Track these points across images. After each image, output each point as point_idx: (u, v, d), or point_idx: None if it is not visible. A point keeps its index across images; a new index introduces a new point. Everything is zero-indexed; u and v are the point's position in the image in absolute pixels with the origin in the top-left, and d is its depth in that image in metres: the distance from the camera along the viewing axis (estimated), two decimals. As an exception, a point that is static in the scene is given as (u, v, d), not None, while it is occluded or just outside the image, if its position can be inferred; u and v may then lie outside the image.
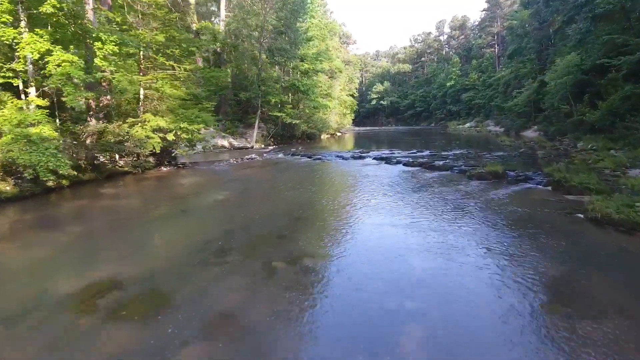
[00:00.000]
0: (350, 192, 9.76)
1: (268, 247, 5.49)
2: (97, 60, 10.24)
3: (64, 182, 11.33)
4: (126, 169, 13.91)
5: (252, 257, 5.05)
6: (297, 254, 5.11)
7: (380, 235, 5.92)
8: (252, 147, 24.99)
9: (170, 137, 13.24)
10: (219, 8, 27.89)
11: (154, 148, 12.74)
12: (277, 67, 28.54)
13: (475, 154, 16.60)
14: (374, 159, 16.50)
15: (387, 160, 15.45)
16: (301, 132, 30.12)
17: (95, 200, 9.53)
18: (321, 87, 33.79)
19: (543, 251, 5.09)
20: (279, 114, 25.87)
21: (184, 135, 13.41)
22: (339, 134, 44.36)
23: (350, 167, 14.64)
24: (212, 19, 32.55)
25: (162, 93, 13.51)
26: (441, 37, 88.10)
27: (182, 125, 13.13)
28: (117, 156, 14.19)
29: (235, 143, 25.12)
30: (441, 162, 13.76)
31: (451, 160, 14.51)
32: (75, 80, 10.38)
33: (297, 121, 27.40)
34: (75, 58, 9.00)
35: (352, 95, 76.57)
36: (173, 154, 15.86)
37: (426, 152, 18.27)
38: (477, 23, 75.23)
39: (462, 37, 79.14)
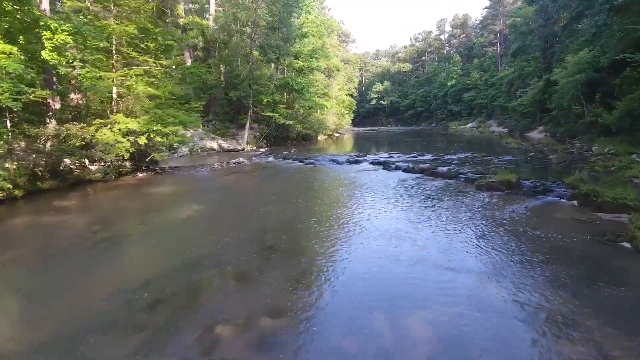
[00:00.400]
0: (339, 208, 8.35)
1: (216, 299, 4.08)
2: (44, 53, 8.83)
3: (17, 192, 9.97)
4: (97, 175, 12.53)
5: (187, 319, 3.63)
6: (257, 311, 3.71)
7: (376, 279, 4.50)
8: (242, 150, 23.59)
9: (142, 140, 11.83)
10: (209, 3, 26.50)
11: (121, 154, 11.33)
12: (270, 64, 27.13)
13: (481, 158, 15.19)
14: (371, 163, 15.10)
15: (385, 165, 14.05)
16: (296, 133, 28.72)
17: (40, 216, 8.13)
18: (317, 86, 32.38)
19: (597, 312, 3.67)
20: (271, 114, 24.47)
21: (158, 139, 12.00)
22: (337, 134, 42.97)
23: (344, 173, 13.24)
24: (206, 17, 31.20)
25: (134, 92, 12.10)
26: (442, 36, 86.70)
27: (155, 128, 11.72)
28: (86, 161, 12.84)
29: (225, 145, 23.71)
30: (445, 169, 12.36)
31: (456, 166, 13.10)
32: (29, 76, 8.99)
33: (291, 122, 25.99)
34: (14, 49, 7.60)
35: (351, 95, 75.39)
36: (153, 158, 14.46)
37: (428, 156, 16.87)
38: (478, 21, 73.85)
39: (464, 35, 77.72)
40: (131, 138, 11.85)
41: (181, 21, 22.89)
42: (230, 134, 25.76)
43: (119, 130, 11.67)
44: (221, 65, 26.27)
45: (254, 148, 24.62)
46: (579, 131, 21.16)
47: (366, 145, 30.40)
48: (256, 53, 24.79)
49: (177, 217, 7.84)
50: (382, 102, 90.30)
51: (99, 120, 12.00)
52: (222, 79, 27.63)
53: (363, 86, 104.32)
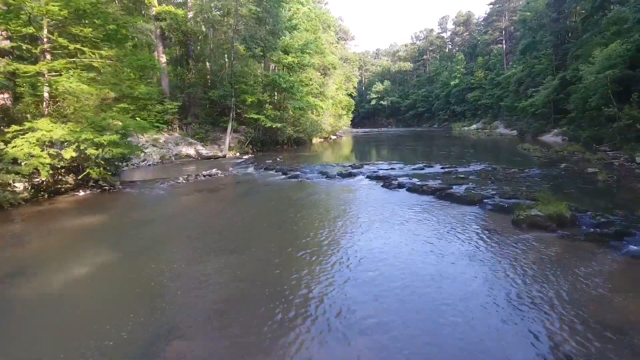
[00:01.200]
0: (317, 263, 5.55)
1: None
2: None
3: None
4: (24, 195, 9.76)
5: None
6: None
7: None
8: (224, 157, 20.82)
9: (67, 154, 9.06)
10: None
11: (34, 172, 8.57)
12: (257, 60, 24.35)
13: (503, 172, 12.42)
14: (368, 177, 12.35)
15: (385, 181, 11.28)
16: (287, 137, 25.96)
17: None
18: (311, 85, 29.60)
19: None
20: (256, 117, 21.70)
21: (91, 151, 9.22)
22: (333, 137, 40.24)
23: (334, 193, 10.49)
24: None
25: (60, 89, 9.35)
26: (444, 34, 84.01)
27: (84, 137, 8.94)
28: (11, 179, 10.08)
29: (204, 151, 20.95)
30: (462, 188, 9.60)
31: (475, 184, 10.34)
32: None
33: (280, 125, 23.22)
34: None
35: (350, 95, 72.78)
36: (111, 172, 11.66)
37: (436, 168, 14.11)
38: (482, 19, 71.08)
39: (467, 33, 74.99)
40: (52, 151, 9.09)
41: (153, 10, 20.12)
42: (212, 138, 22.99)
43: (37, 140, 8.91)
44: (202, 61, 23.51)
45: (237, 154, 21.86)
46: (607, 136, 18.39)
47: (364, 150, 27.65)
48: (240, 47, 22.02)
49: (65, 280, 5.06)
50: (382, 102, 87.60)
51: (14, 127, 9.23)
52: (207, 76, 24.90)
53: (363, 86, 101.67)
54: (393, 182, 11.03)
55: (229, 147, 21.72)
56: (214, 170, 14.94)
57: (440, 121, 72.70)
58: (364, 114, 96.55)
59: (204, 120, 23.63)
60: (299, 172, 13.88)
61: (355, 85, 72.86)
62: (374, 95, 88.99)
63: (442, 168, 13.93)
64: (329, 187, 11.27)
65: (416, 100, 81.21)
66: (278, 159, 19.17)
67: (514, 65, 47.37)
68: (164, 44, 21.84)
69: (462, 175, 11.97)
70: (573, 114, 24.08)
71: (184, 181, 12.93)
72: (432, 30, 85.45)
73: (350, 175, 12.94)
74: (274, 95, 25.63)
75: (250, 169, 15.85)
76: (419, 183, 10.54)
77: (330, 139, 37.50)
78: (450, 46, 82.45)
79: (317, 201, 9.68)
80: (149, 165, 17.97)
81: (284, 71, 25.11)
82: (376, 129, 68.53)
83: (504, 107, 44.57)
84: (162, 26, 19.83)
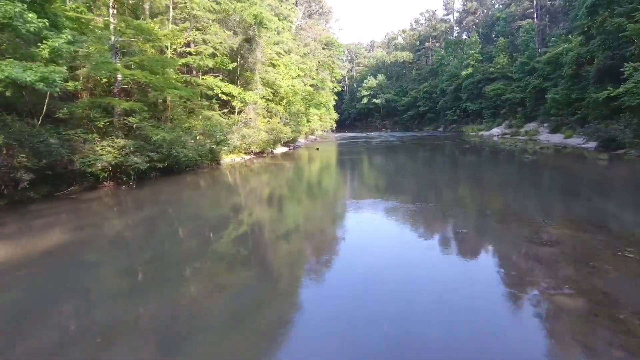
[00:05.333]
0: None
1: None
2: None
3: None
4: None
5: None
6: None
7: None
8: None
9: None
10: None
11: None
12: None
13: None
14: None
15: None
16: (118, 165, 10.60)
17: None
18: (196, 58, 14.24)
19: None
20: None
21: None
22: (281, 150, 24.82)
23: None
24: None
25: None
26: (450, 16, 68.74)
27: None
28: None
29: None
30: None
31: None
32: None
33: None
34: None
35: (340, 93, 57.40)
36: None
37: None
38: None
39: (481, 10, 59.54)
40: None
41: None
42: None
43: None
44: None
45: None
46: None
47: (312, 181, 12.35)
48: None
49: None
50: (375, 100, 72.21)
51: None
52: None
53: (354, 82, 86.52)
54: None
55: None
56: None
57: (447, 123, 57.37)
58: (355, 114, 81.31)
59: None
60: None
61: (339, 77, 57.58)
62: (365, 92, 73.60)
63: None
64: None
65: (416, 97, 65.91)
66: None
67: (560, 40, 32.03)
68: None
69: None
70: None
71: None
72: (435, 12, 70.37)
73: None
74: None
75: None
76: None
77: (271, 154, 22.13)
78: (457, 30, 67.24)
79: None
80: None
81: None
82: (364, 134, 53.14)
83: (550, 102, 29.16)
84: None
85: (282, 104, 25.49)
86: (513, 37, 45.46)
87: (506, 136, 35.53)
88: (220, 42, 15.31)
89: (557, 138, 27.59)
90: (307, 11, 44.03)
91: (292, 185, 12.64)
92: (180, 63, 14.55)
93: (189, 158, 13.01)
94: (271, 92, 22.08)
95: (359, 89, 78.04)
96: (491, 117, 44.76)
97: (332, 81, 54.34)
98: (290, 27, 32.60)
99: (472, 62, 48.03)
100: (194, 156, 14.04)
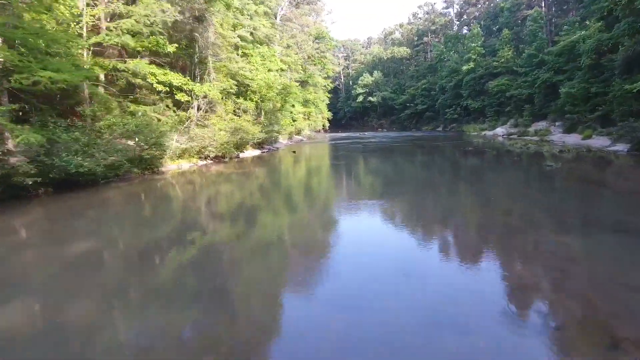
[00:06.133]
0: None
1: None
2: None
3: None
4: None
5: None
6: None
7: None
8: None
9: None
10: None
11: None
12: None
13: None
14: None
15: None
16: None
17: None
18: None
19: None
20: None
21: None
22: (260, 151, 21.14)
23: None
24: None
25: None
26: (450, 10, 65.07)
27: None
28: None
29: None
30: None
31: None
32: None
33: None
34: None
35: (331, 90, 53.80)
36: None
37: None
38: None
39: (482, 2, 55.88)
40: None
41: None
42: None
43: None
44: None
45: None
46: None
47: (254, 203, 8.65)
48: None
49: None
50: (370, 98, 68.59)
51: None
52: None
53: (350, 79, 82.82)
54: None
55: None
56: None
57: (447, 122, 53.75)
58: (351, 113, 77.67)
59: None
60: None
61: (330, 72, 54.10)
62: (360, 90, 69.95)
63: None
64: None
65: (414, 95, 62.30)
66: None
67: (574, 28, 28.38)
68: None
69: None
70: None
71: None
72: (434, 5, 66.61)
73: None
74: None
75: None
76: None
77: (236, 158, 18.49)
78: (458, 24, 63.55)
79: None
80: None
81: None
82: (357, 134, 49.45)
83: (565, 97, 25.52)
84: None
85: (254, 100, 21.85)
86: (518, 29, 41.80)
87: (513, 136, 31.89)
88: (147, 16, 11.62)
89: (574, 139, 23.96)
90: (295, 0, 40.36)
91: (218, 210, 9.02)
92: (87, 42, 10.89)
93: (88, 168, 9.34)
94: (235, 85, 18.40)
95: (354, 86, 74.39)
96: (495, 116, 41.12)
97: (325, 77, 50.75)
98: (268, 11, 28.91)
99: (474, 56, 44.39)
100: (111, 163, 10.41)
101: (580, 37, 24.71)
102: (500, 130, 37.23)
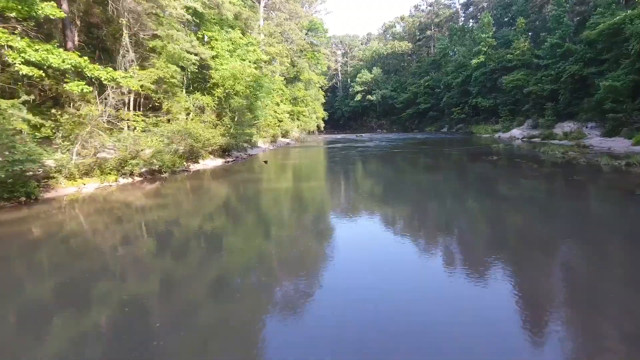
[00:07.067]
0: None
1: None
2: None
3: None
4: None
5: None
6: None
7: None
8: None
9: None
10: None
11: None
12: None
13: None
14: None
15: None
16: None
17: None
18: None
19: None
20: None
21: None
22: (224, 160, 16.32)
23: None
24: None
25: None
26: (455, 1, 60.22)
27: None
28: None
29: None
30: None
31: None
32: None
33: None
34: None
35: (321, 86, 49.02)
36: None
37: None
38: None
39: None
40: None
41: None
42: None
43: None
44: None
45: None
46: None
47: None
48: None
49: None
50: (369, 97, 63.80)
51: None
52: None
53: (348, 77, 77.97)
54: None
55: None
56: None
57: (453, 123, 49.01)
58: (349, 113, 72.84)
59: None
60: None
61: (325, 68, 49.38)
62: (358, 88, 65.17)
63: None
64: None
65: (416, 93, 57.49)
66: None
67: (611, 10, 23.53)
68: None
69: None
70: None
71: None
72: (438, -4, 61.66)
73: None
74: None
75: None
76: None
77: (186, 172, 13.69)
78: (464, 17, 58.71)
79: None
80: None
81: None
82: (353, 136, 44.63)
83: (604, 92, 20.71)
84: None
85: (216, 94, 17.08)
86: (535, 16, 36.97)
87: (534, 140, 27.06)
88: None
89: (620, 144, 19.17)
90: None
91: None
92: None
93: None
94: (181, 74, 13.63)
95: (352, 84, 69.59)
96: (509, 115, 36.29)
97: (319, 74, 45.97)
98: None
99: (484, 49, 39.56)
100: None
101: (625, 16, 19.89)
102: (516, 132, 32.40)
